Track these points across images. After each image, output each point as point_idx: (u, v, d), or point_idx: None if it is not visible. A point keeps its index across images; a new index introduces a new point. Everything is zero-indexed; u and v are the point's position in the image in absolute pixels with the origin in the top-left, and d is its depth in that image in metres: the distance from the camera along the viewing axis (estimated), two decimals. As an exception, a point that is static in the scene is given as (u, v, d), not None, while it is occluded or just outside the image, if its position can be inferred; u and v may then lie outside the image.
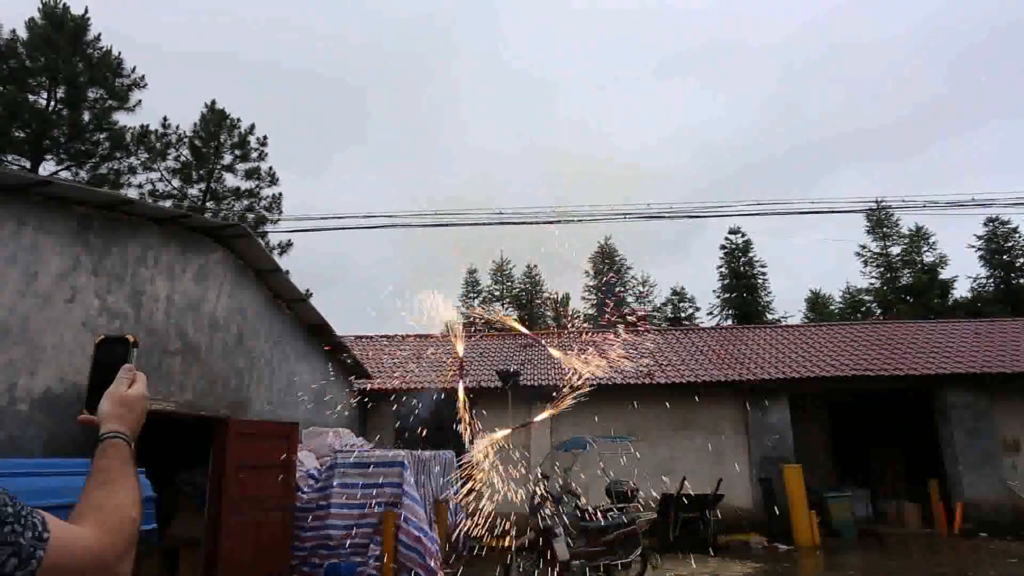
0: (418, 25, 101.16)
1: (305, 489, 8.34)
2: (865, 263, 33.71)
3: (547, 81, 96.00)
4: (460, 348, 6.59)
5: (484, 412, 12.42)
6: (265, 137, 24.55)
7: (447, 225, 18.19)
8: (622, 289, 37.30)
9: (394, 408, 13.98)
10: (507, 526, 7.74)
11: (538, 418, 10.43)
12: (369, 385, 14.41)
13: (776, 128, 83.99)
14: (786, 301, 68.66)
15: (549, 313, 37.04)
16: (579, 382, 5.03)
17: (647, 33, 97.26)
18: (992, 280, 30.92)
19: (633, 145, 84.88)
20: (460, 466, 7.97)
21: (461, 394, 5.76)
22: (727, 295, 34.87)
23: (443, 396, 12.66)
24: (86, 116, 20.90)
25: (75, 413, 1.26)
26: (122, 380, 1.20)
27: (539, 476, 11.09)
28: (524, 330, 7.70)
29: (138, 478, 1.11)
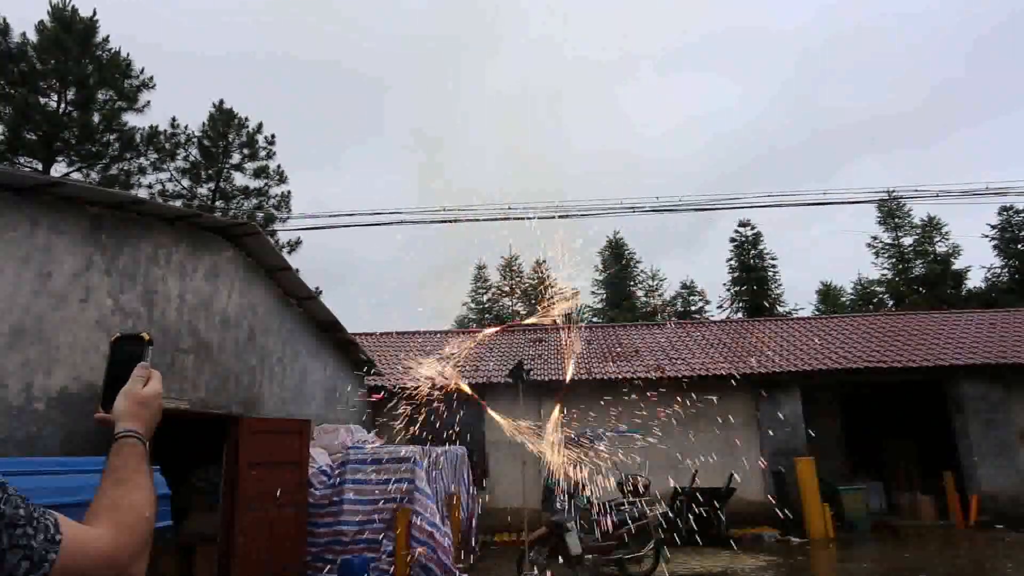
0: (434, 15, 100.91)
1: (318, 486, 8.39)
2: (877, 254, 33.41)
3: (555, 72, 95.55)
4: (469, 389, 6.90)
5: (491, 407, 12.46)
6: (273, 136, 24.65)
7: (455, 221, 18.18)
8: (632, 283, 37.13)
9: (405, 404, 14.02)
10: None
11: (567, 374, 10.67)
12: (380, 381, 14.45)
13: (792, 117, 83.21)
14: (797, 293, 68.11)
15: (558, 309, 36.88)
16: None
17: (658, 19, 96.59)
18: (1006, 270, 30.48)
19: (642, 136, 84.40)
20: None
21: (549, 452, 6.26)
22: (737, 288, 34.69)
23: (454, 393, 12.66)
24: (96, 117, 21.01)
25: (91, 412, 1.25)
26: (137, 378, 1.19)
27: (550, 469, 11.09)
28: (469, 390, 7.97)
29: (152, 477, 1.10)
